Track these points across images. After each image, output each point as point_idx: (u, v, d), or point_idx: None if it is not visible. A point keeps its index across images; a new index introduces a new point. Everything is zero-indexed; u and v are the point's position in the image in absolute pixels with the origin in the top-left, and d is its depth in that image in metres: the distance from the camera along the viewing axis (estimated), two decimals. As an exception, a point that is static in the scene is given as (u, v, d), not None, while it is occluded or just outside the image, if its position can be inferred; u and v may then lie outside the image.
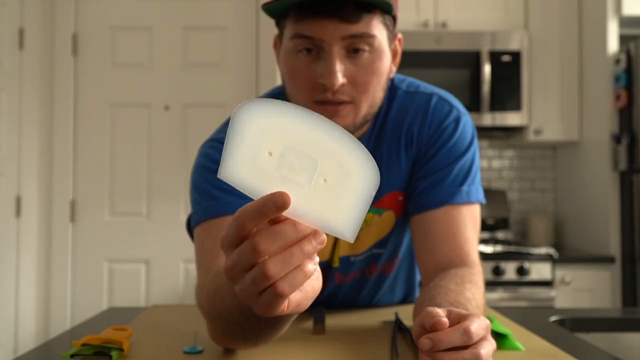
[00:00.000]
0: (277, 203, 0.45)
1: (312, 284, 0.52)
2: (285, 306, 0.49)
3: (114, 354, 0.69)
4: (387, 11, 0.85)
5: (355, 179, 0.48)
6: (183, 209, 2.72)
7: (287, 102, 0.48)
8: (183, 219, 2.69)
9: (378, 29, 0.83)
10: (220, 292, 0.67)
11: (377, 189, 0.48)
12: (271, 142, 0.47)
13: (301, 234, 0.46)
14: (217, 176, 0.47)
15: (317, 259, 0.49)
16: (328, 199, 0.48)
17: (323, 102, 0.84)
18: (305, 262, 0.47)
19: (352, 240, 0.48)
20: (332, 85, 0.81)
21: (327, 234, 0.48)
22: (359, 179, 0.48)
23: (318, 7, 0.80)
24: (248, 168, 0.47)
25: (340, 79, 0.82)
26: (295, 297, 0.50)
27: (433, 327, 0.57)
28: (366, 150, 0.48)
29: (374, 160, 0.48)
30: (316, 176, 0.47)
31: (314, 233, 0.47)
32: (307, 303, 0.52)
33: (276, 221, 0.47)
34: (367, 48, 0.83)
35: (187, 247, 2.66)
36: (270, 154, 0.47)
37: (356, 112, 0.86)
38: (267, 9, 0.84)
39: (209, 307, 0.71)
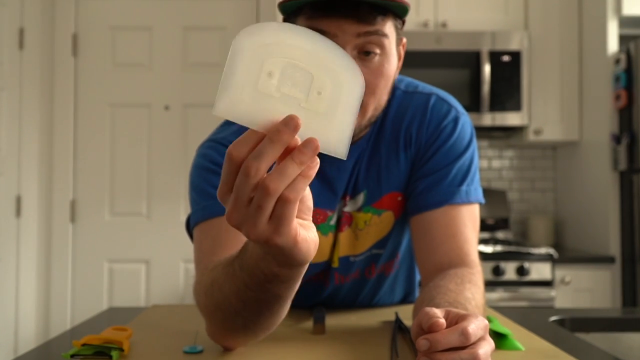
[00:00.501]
0: (290, 124, 0.47)
1: (313, 232, 0.55)
2: (297, 231, 0.51)
3: (114, 354, 0.69)
4: (400, 16, 0.85)
5: (346, 91, 0.50)
6: (183, 208, 2.72)
7: (281, 22, 0.49)
8: (183, 218, 2.70)
9: (390, 31, 0.84)
10: (217, 283, 0.68)
11: (362, 97, 0.51)
12: (272, 61, 0.48)
13: (279, 144, 0.47)
14: (212, 112, 0.49)
15: (318, 162, 0.50)
16: (322, 115, 0.50)
17: None
18: (303, 169, 0.49)
19: (344, 157, 0.50)
20: None
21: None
22: (349, 90, 0.50)
23: (334, 6, 0.79)
24: (248, 96, 0.49)
25: None
26: (302, 231, 0.52)
27: (430, 328, 0.57)
28: (354, 61, 0.50)
29: (360, 70, 0.50)
30: (312, 90, 0.49)
31: (305, 142, 0.48)
32: (312, 247, 0.54)
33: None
34: (378, 51, 0.83)
35: (187, 247, 2.66)
36: (270, 74, 0.49)
37: (363, 115, 0.86)
38: (284, 6, 0.84)
39: (207, 301, 0.71)
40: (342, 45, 0.81)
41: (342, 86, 0.50)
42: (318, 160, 0.49)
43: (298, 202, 0.49)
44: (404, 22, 0.89)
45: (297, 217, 0.53)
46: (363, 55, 0.83)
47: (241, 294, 0.63)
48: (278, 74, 0.49)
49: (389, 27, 0.83)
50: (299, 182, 0.49)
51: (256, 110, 0.49)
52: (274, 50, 0.48)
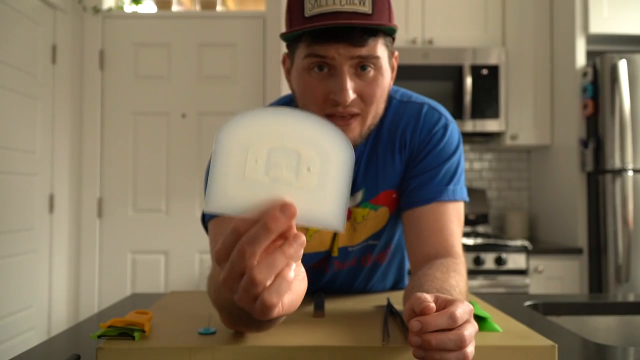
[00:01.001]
0: (286, 213, 0.44)
1: (300, 284, 0.51)
2: (280, 309, 0.48)
3: (136, 334, 0.69)
4: (389, 34, 0.85)
5: (335, 163, 0.45)
6: (198, 205, 2.72)
7: (259, 108, 0.45)
8: (198, 214, 2.69)
9: (381, 50, 0.83)
10: (222, 290, 0.67)
11: (353, 166, 0.46)
12: (255, 150, 0.44)
13: (274, 231, 0.44)
14: (204, 211, 0.46)
15: (296, 264, 0.47)
16: (314, 191, 0.45)
17: (333, 115, 0.83)
18: (286, 270, 0.46)
19: (342, 230, 0.47)
20: (344, 101, 0.81)
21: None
22: (338, 162, 0.45)
23: (330, 34, 0.79)
24: (237, 185, 0.44)
25: (352, 95, 0.82)
26: (286, 300, 0.49)
27: (422, 311, 0.57)
28: (338, 129, 0.46)
29: (347, 140, 0.46)
30: (300, 167, 0.45)
31: (294, 236, 0.46)
32: (299, 301, 0.51)
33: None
34: (372, 66, 0.83)
35: (202, 240, 2.66)
36: (256, 160, 0.45)
37: (363, 124, 0.86)
38: (285, 37, 0.84)
39: (216, 299, 0.71)
40: (340, 65, 0.81)
41: (330, 158, 0.45)
42: (300, 257, 0.47)
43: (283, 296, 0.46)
44: (394, 39, 0.89)
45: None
46: (360, 70, 0.83)
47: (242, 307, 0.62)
48: (264, 159, 0.44)
49: (380, 47, 0.83)
50: (281, 284, 0.45)
51: (249, 198, 0.45)
52: (257, 137, 0.44)
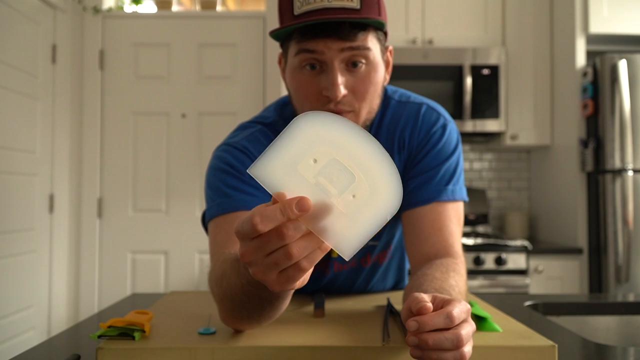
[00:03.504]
0: (302, 207, 0.46)
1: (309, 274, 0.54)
2: (300, 281, 0.51)
3: (136, 334, 0.69)
4: (379, 28, 0.85)
5: (379, 203, 0.46)
6: (198, 205, 2.72)
7: (344, 118, 0.45)
8: (198, 214, 2.69)
9: (372, 43, 0.84)
10: (226, 276, 0.68)
11: (394, 214, 0.47)
12: (321, 151, 0.46)
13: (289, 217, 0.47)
14: (247, 170, 0.47)
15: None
16: (346, 216, 0.46)
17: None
18: (324, 244, 0.49)
19: (347, 259, 0.48)
20: (335, 96, 0.81)
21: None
22: (382, 204, 0.46)
23: (319, 29, 0.80)
24: (285, 170, 0.46)
25: (342, 90, 0.82)
26: (301, 280, 0.52)
27: (419, 311, 0.57)
28: (399, 178, 0.46)
29: (401, 187, 0.47)
30: (348, 190, 0.46)
31: (319, 211, 0.48)
32: (307, 279, 0.54)
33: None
34: (363, 61, 0.83)
35: (201, 240, 2.66)
36: (315, 161, 0.46)
37: (357, 119, 0.86)
38: (276, 34, 0.84)
39: (218, 290, 0.71)
40: (330, 60, 0.81)
41: (378, 197, 0.46)
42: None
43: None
44: (386, 34, 0.89)
45: None
46: (351, 66, 0.83)
47: (245, 289, 0.63)
48: (322, 164, 0.46)
49: (371, 40, 0.83)
50: (316, 254, 0.48)
51: (287, 186, 0.46)
52: (327, 141, 0.45)
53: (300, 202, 0.46)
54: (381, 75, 0.87)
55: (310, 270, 0.52)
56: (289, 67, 0.87)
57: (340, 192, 0.46)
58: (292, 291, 0.63)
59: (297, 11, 0.80)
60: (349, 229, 0.47)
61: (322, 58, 0.82)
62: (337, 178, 0.46)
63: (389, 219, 0.47)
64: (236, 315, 0.69)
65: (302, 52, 0.82)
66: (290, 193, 0.46)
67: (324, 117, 0.46)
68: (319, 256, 0.49)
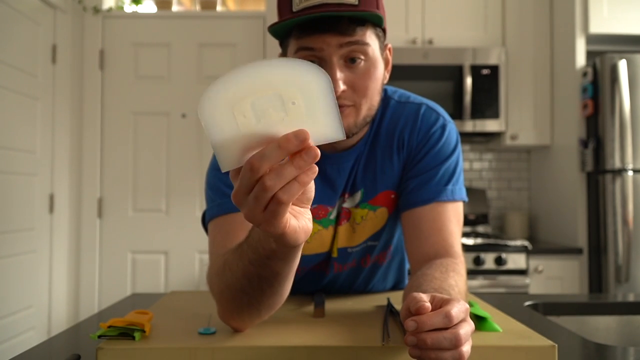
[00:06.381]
0: (299, 137, 0.47)
1: (307, 220, 0.55)
2: (286, 225, 0.51)
3: (136, 334, 0.69)
4: (378, 24, 0.85)
5: (314, 87, 0.48)
6: (198, 205, 2.72)
7: (225, 74, 0.47)
8: (198, 214, 2.69)
9: (371, 39, 0.84)
10: (228, 264, 0.69)
11: (332, 86, 0.48)
12: (239, 107, 0.47)
13: (285, 150, 0.47)
14: (222, 171, 0.48)
15: (316, 170, 0.49)
16: (306, 117, 0.48)
17: None
18: (301, 175, 0.48)
19: (343, 137, 0.49)
20: (334, 92, 0.81)
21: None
22: (317, 86, 0.48)
23: (317, 25, 0.80)
24: (239, 143, 0.48)
25: (342, 86, 0.82)
26: (293, 222, 0.52)
27: (417, 310, 0.57)
28: (306, 62, 0.48)
29: (316, 66, 0.48)
30: (285, 104, 0.48)
31: (306, 149, 0.48)
32: (302, 236, 0.54)
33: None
34: (362, 57, 0.84)
35: (201, 240, 2.67)
36: (244, 116, 0.47)
37: (357, 114, 0.86)
38: (272, 29, 0.84)
39: (219, 281, 0.72)
40: (329, 56, 0.82)
41: (309, 87, 0.48)
42: (316, 169, 0.49)
43: (290, 203, 0.49)
44: (385, 31, 0.89)
45: (294, 204, 0.54)
46: (349, 62, 0.83)
47: (246, 270, 0.64)
48: (250, 112, 0.47)
49: (369, 36, 0.83)
50: (293, 186, 0.48)
51: (254, 146, 0.48)
52: (235, 96, 0.47)
53: (298, 133, 0.47)
54: (380, 71, 0.87)
55: (306, 229, 0.53)
56: None
57: (283, 111, 0.48)
58: (291, 271, 0.64)
59: (295, 8, 0.81)
60: (317, 120, 0.48)
61: (320, 55, 0.82)
62: (270, 107, 0.47)
63: (332, 86, 0.48)
64: (237, 306, 0.69)
65: (300, 50, 0.83)
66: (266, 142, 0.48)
67: (211, 88, 0.47)
68: (297, 189, 0.48)
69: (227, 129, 0.47)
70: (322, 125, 0.49)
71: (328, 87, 0.48)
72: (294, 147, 0.47)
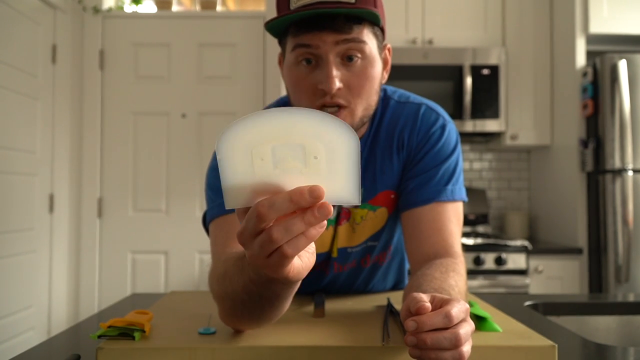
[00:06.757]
0: (313, 194, 0.45)
1: (309, 256, 0.54)
2: (291, 269, 0.50)
3: (136, 334, 0.69)
4: (375, 23, 0.85)
5: (339, 147, 0.46)
6: (198, 205, 2.72)
7: (253, 113, 0.46)
8: (198, 214, 2.69)
9: (368, 37, 0.84)
10: (227, 274, 0.68)
11: (359, 148, 0.47)
12: (259, 150, 0.45)
13: (296, 203, 0.46)
14: (226, 208, 0.47)
15: (325, 224, 0.48)
16: (324, 174, 0.47)
17: (324, 106, 0.84)
18: (309, 230, 0.47)
19: (358, 203, 0.48)
20: (330, 89, 0.81)
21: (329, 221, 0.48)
22: (343, 145, 0.46)
23: (314, 23, 0.80)
24: (250, 182, 0.46)
25: (337, 83, 0.82)
26: (297, 264, 0.51)
27: (417, 310, 0.57)
28: (338, 119, 0.47)
29: (348, 125, 0.47)
30: (307, 157, 0.46)
31: (319, 205, 0.46)
32: (305, 273, 0.53)
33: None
34: (359, 55, 0.83)
35: (201, 240, 2.67)
36: (262, 159, 0.46)
37: (352, 116, 0.86)
38: (269, 27, 0.84)
39: (219, 289, 0.71)
40: (325, 54, 0.82)
41: (335, 146, 0.46)
42: (325, 224, 0.48)
43: (295, 255, 0.48)
44: (383, 30, 0.88)
45: None
46: (346, 60, 0.83)
47: (247, 287, 0.62)
48: (270, 157, 0.46)
49: (366, 35, 0.83)
50: (300, 240, 0.47)
51: (264, 190, 0.46)
52: (257, 138, 0.45)
53: (313, 189, 0.45)
54: (378, 71, 0.87)
55: (309, 265, 0.53)
56: (286, 63, 0.87)
57: (303, 163, 0.46)
58: (293, 292, 0.63)
59: (293, 6, 0.81)
60: (335, 181, 0.47)
61: (317, 52, 0.82)
62: (290, 156, 0.46)
63: (359, 153, 0.47)
64: (237, 315, 0.69)
65: (297, 48, 0.83)
66: (275, 190, 0.46)
67: (236, 124, 0.45)
68: (304, 243, 0.47)
69: (241, 168, 0.46)
70: (340, 186, 0.47)
71: (355, 149, 0.46)
72: (306, 202, 0.46)
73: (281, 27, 0.85)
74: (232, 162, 0.46)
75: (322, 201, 0.46)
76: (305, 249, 0.53)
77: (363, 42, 0.82)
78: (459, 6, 2.70)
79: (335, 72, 0.82)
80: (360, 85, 0.84)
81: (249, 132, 0.45)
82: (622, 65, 2.27)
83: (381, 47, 0.89)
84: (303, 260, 0.53)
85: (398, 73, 2.50)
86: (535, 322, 0.94)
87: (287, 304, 0.67)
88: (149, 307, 0.93)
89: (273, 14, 2.69)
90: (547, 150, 2.77)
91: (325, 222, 0.48)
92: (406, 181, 0.96)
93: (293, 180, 0.46)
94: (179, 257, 2.72)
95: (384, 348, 0.66)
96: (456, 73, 2.60)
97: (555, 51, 2.67)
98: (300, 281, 0.59)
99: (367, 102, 0.87)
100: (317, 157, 0.46)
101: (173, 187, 2.74)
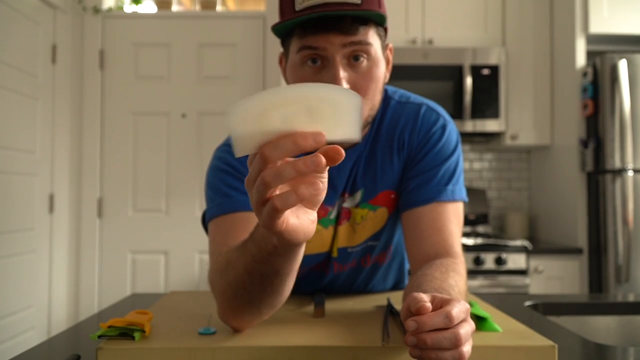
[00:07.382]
0: (316, 138, 0.46)
1: (308, 220, 0.53)
2: (283, 223, 0.50)
3: (136, 334, 0.69)
4: (380, 23, 0.85)
5: (344, 102, 0.48)
6: (198, 205, 2.72)
7: (261, 91, 0.47)
8: (198, 214, 2.69)
9: (373, 39, 0.84)
10: (231, 262, 0.68)
11: (361, 104, 0.48)
12: (267, 115, 0.47)
13: (298, 145, 0.46)
14: (236, 156, 0.48)
15: (319, 188, 0.48)
16: (330, 120, 0.48)
17: None
18: (300, 187, 0.47)
19: (359, 139, 0.49)
20: None
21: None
22: (347, 101, 0.48)
23: (321, 24, 0.80)
24: (257, 135, 0.47)
25: (345, 85, 0.82)
26: (292, 221, 0.51)
27: (418, 311, 0.57)
28: (341, 87, 0.47)
29: (351, 90, 0.48)
30: (313, 114, 0.47)
31: (312, 156, 0.47)
32: (301, 236, 0.52)
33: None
34: (365, 56, 0.84)
35: (201, 240, 2.67)
36: (270, 120, 0.47)
37: None
38: (275, 29, 0.84)
39: (221, 280, 0.71)
40: (332, 56, 0.82)
41: (339, 102, 0.48)
42: (319, 187, 0.48)
43: (285, 211, 0.48)
44: (386, 30, 0.89)
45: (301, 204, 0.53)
46: (353, 61, 0.83)
47: (249, 267, 0.63)
48: (277, 117, 0.47)
49: (371, 36, 0.83)
50: (290, 196, 0.47)
51: (271, 138, 0.48)
52: (265, 107, 0.47)
53: (317, 133, 0.46)
54: (382, 71, 0.88)
55: (306, 229, 0.52)
56: (290, 63, 0.87)
57: (309, 118, 0.47)
58: (292, 270, 0.64)
59: (298, 7, 0.81)
60: (340, 123, 0.48)
61: (324, 54, 0.82)
62: (298, 115, 0.47)
63: (361, 105, 0.48)
64: (238, 305, 0.69)
65: (303, 49, 0.83)
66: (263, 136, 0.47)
67: (246, 99, 0.47)
68: (293, 200, 0.47)
69: (250, 124, 0.47)
70: (342, 127, 0.48)
71: (358, 104, 0.48)
72: (308, 145, 0.46)
73: (286, 28, 0.84)
74: (243, 124, 0.47)
75: (323, 145, 0.47)
76: (306, 213, 0.53)
77: (369, 43, 0.83)
78: (459, 6, 2.70)
79: (342, 74, 0.82)
80: (366, 86, 0.84)
81: (258, 104, 0.47)
82: (622, 65, 2.27)
83: (384, 47, 0.89)
84: (300, 220, 0.52)
85: (398, 73, 2.50)
86: (535, 322, 0.94)
87: (288, 286, 0.67)
88: (149, 307, 0.93)
89: (273, 13, 2.69)
90: (547, 150, 2.77)
91: (319, 185, 0.48)
92: (406, 181, 0.96)
93: (299, 129, 0.47)
94: (179, 257, 2.72)
95: (384, 348, 0.66)
96: (456, 73, 2.60)
97: (555, 51, 2.67)
98: (299, 252, 0.60)
99: (372, 103, 0.87)
100: (322, 114, 0.48)
101: (173, 187, 2.74)
